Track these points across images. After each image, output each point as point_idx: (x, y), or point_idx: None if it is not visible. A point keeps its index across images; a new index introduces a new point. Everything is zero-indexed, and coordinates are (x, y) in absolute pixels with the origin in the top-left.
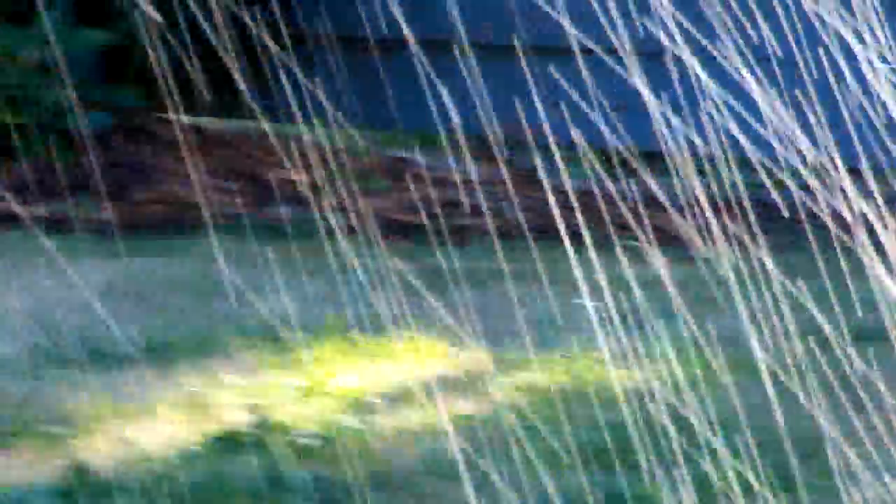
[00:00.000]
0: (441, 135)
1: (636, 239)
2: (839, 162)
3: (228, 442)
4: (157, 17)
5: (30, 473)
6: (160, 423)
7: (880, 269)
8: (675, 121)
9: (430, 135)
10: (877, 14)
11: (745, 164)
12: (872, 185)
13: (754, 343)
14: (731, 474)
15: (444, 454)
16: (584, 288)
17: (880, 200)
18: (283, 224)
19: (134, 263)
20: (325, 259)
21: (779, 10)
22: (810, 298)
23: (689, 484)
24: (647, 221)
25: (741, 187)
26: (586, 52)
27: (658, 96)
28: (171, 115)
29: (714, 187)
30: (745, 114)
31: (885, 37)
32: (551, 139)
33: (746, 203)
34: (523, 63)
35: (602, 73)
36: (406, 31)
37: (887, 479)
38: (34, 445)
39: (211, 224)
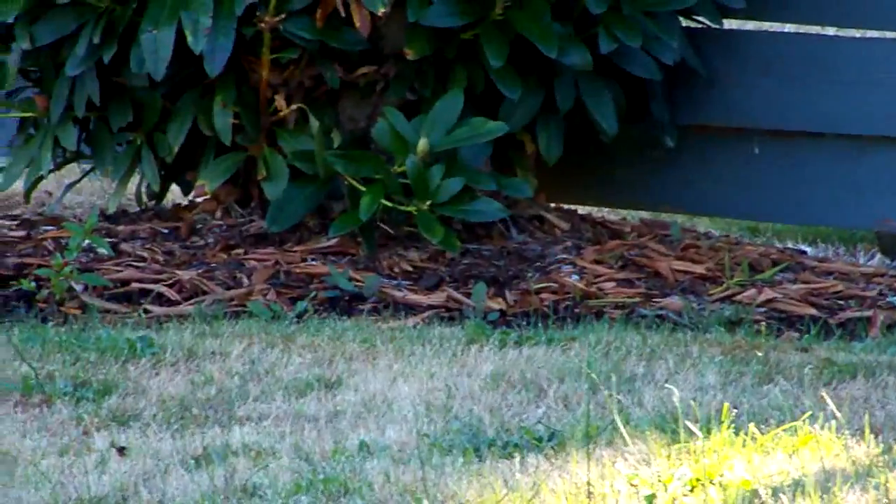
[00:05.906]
0: (830, 228)
1: None
2: None
3: None
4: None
5: None
6: None
7: None
8: None
9: (818, 227)
10: None
11: None
12: None
13: None
14: None
15: None
16: None
17: None
18: (675, 314)
19: (524, 351)
20: (716, 349)
21: None
22: None
23: None
24: None
25: None
26: None
27: None
28: (563, 205)
29: None
30: None
31: None
32: None
33: None
34: None
35: None
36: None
37: None
38: None
39: (602, 313)
